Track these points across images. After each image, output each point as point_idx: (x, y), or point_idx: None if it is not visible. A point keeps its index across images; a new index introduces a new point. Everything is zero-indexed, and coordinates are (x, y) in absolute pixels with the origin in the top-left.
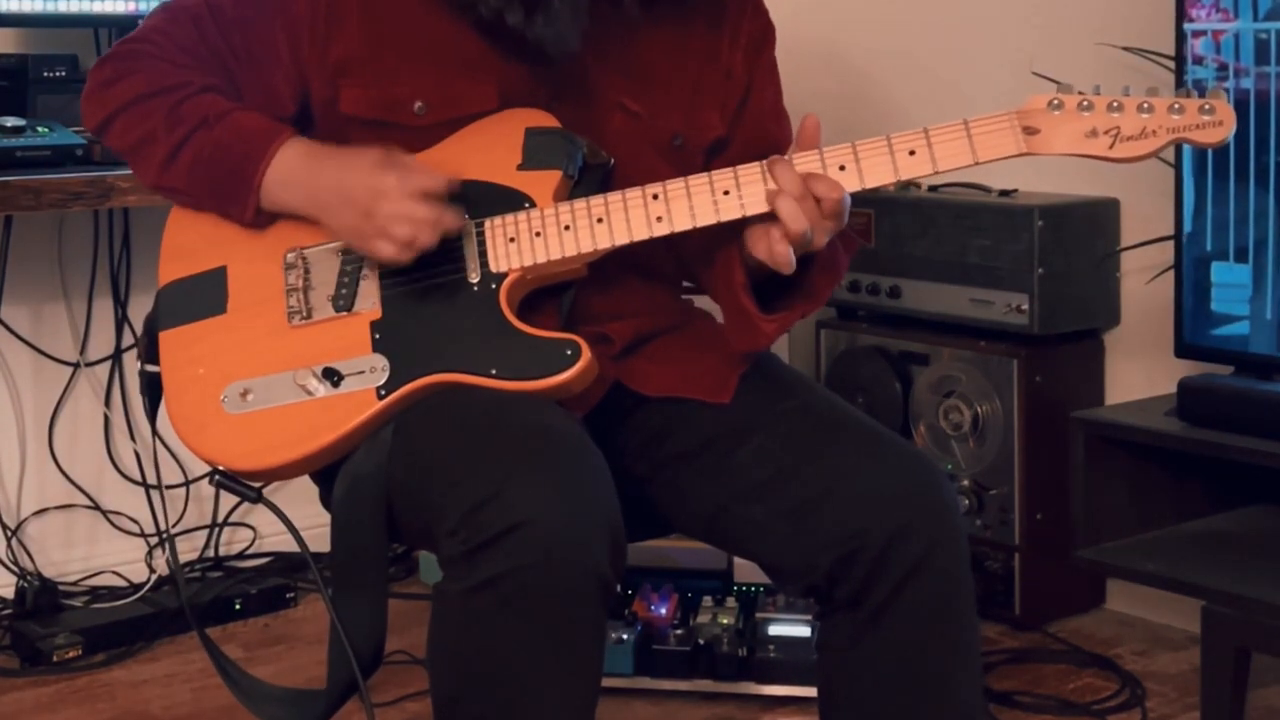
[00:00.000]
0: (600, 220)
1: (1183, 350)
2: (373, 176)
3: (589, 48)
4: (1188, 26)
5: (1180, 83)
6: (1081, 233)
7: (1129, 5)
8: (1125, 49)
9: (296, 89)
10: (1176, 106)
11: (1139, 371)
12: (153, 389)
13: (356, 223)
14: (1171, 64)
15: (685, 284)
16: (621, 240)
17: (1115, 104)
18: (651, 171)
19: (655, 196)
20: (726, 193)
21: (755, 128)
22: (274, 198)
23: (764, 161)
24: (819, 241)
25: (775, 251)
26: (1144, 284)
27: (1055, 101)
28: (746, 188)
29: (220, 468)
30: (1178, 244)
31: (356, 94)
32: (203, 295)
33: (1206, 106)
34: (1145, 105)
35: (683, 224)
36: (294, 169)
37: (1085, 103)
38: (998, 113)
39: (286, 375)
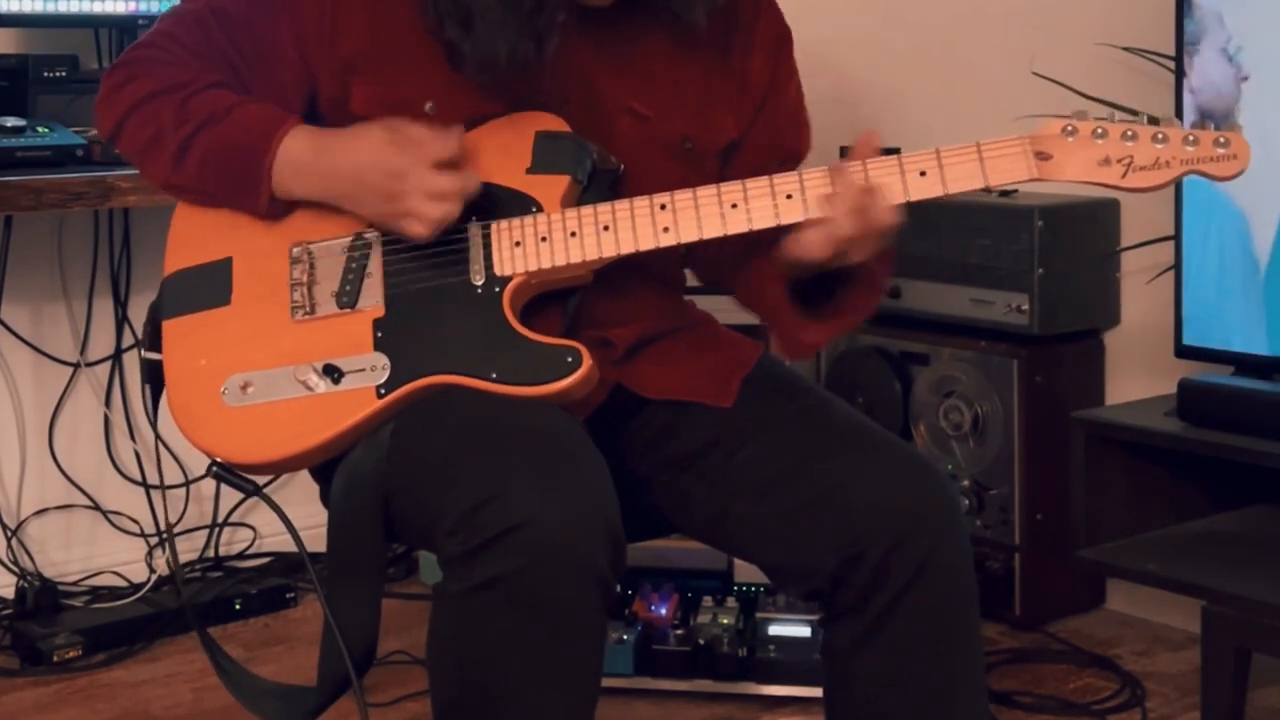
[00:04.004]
0: (607, 228)
1: (1183, 350)
2: (386, 158)
3: (598, 52)
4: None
5: (1180, 84)
6: (1081, 233)
7: (1129, 5)
8: (1125, 49)
9: (304, 88)
10: (1191, 138)
11: (1139, 371)
12: (154, 377)
13: (380, 207)
14: (1171, 64)
15: (689, 285)
16: (627, 249)
17: (1130, 133)
18: (662, 174)
19: (663, 207)
20: (734, 206)
21: (769, 132)
22: (287, 187)
23: (777, 175)
24: (860, 255)
25: (804, 241)
26: (1144, 284)
27: (1069, 128)
28: (754, 202)
29: (218, 460)
30: (1178, 244)
31: (367, 92)
32: (208, 285)
33: (1222, 139)
34: (1160, 135)
35: (689, 235)
36: (304, 157)
37: (1100, 130)
38: (1010, 137)
39: (287, 370)
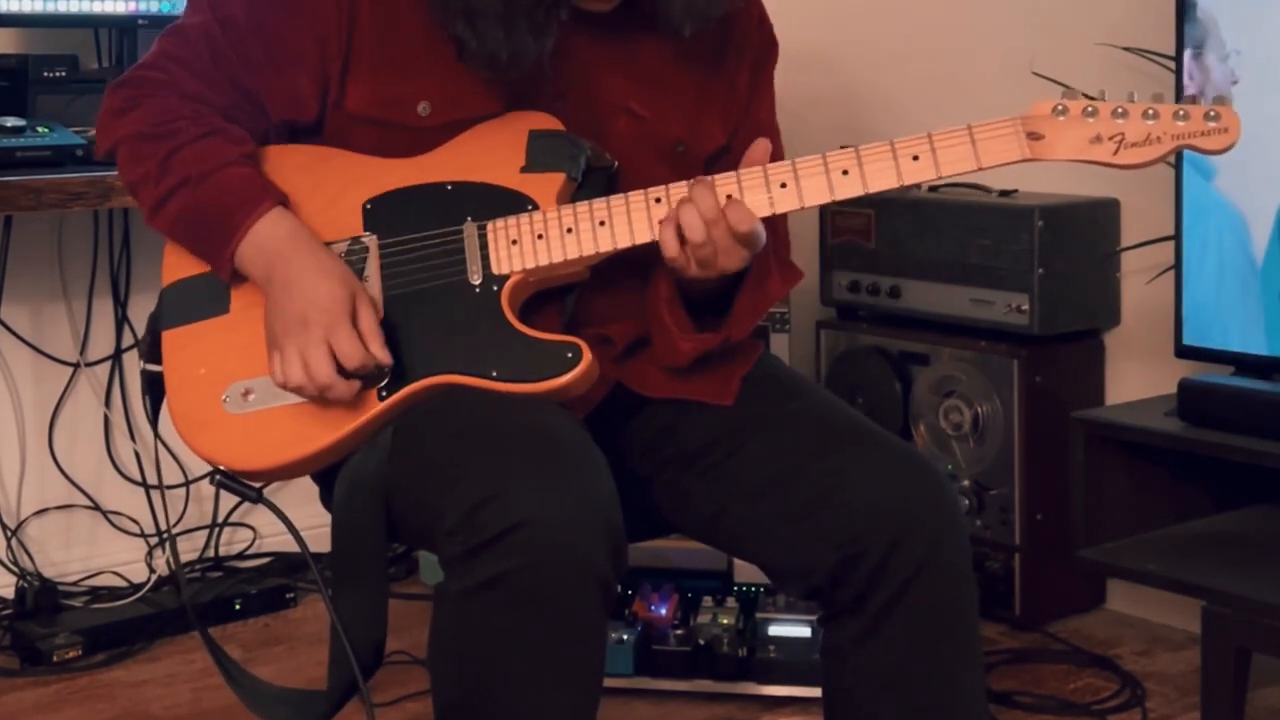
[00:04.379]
0: (603, 223)
1: (1183, 350)
2: (322, 300)
3: (597, 51)
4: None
5: (1180, 83)
6: (1081, 233)
7: (1129, 5)
8: (1125, 49)
9: (319, 90)
10: (1181, 113)
11: (1139, 371)
12: (154, 388)
13: (283, 324)
14: (1172, 64)
15: None
16: (624, 243)
17: (1120, 110)
18: (653, 177)
19: (658, 200)
20: (729, 197)
21: (751, 141)
22: (244, 262)
23: (771, 165)
24: (728, 264)
25: (659, 237)
26: (1144, 284)
27: (1060, 107)
28: (749, 192)
29: (221, 467)
30: (1177, 244)
31: (362, 92)
32: (206, 295)
33: (1212, 113)
34: (1150, 111)
35: None
36: (269, 242)
37: (1090, 109)
38: (1002, 118)
39: None
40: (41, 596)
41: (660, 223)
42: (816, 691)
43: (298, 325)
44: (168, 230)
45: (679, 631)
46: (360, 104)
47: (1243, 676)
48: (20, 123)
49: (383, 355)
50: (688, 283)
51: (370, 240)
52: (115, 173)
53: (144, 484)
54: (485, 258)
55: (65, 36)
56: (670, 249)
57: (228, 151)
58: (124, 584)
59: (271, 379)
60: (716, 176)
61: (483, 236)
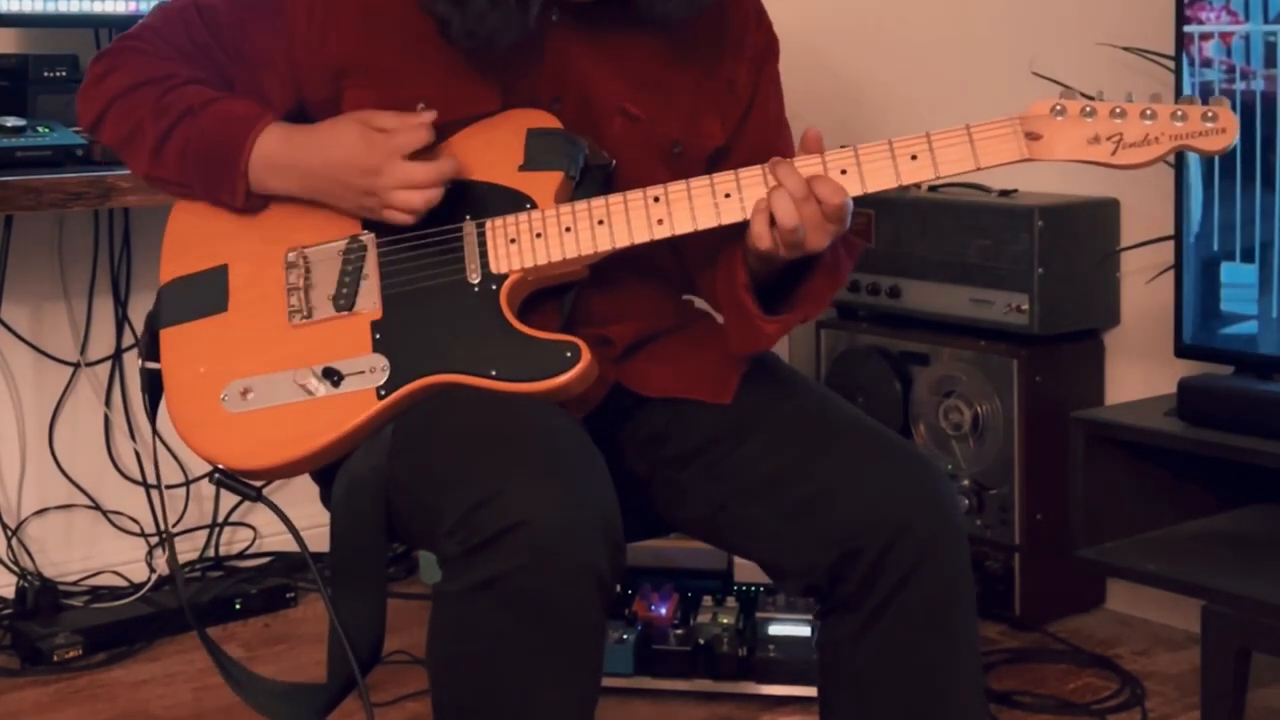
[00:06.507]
0: (601, 222)
1: (1183, 350)
2: (358, 155)
3: (592, 53)
4: (1196, 29)
5: (1180, 83)
6: (1081, 233)
7: (1129, 5)
8: (1125, 49)
9: (289, 92)
10: (1179, 113)
11: (1139, 371)
12: (153, 387)
13: (361, 200)
14: (1172, 64)
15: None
16: (622, 242)
17: (1118, 110)
18: (650, 177)
19: (656, 199)
20: (728, 195)
21: (759, 138)
22: (264, 183)
23: (767, 163)
24: (817, 243)
25: (751, 232)
26: (1144, 284)
27: (1058, 107)
28: (748, 190)
29: (220, 466)
30: (1178, 244)
31: (360, 96)
32: (204, 293)
33: (1210, 114)
34: (1148, 112)
35: (683, 226)
36: (280, 155)
37: (1088, 109)
38: (1000, 118)
39: (287, 374)
40: (42, 596)
41: (754, 214)
42: (816, 691)
43: (369, 176)
44: (174, 168)
45: (679, 631)
46: (358, 106)
47: (1243, 676)
48: (20, 123)
49: (427, 127)
50: (755, 271)
51: (368, 238)
52: (115, 173)
53: (144, 483)
54: (484, 256)
55: (65, 36)
56: (764, 240)
57: (218, 91)
58: (124, 584)
59: (407, 224)
60: (714, 176)
61: (481, 235)
